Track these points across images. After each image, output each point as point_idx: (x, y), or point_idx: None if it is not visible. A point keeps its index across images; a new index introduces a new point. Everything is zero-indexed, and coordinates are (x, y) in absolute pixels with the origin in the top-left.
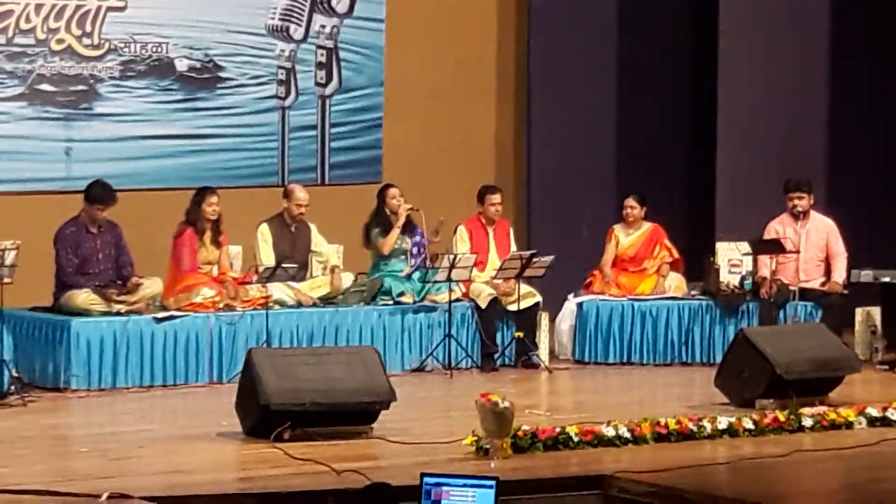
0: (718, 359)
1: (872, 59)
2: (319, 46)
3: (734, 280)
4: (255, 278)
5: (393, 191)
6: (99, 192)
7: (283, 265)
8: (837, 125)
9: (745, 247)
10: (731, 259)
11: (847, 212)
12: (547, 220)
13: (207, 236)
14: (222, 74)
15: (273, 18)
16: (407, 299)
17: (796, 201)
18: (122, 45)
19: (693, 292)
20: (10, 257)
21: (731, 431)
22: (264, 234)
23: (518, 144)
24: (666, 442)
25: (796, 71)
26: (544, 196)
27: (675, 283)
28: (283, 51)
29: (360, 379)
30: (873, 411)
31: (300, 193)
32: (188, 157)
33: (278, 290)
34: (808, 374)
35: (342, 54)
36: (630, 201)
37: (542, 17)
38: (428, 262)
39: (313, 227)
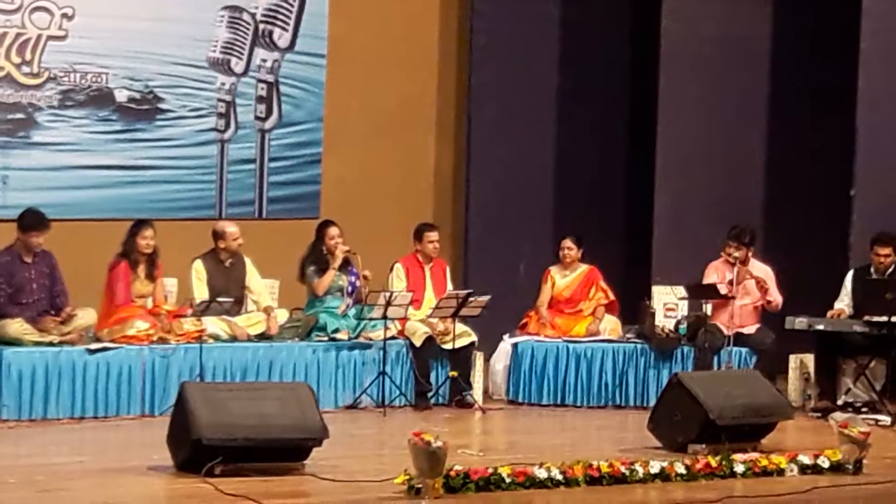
0: (652, 402)
1: (812, 105)
2: (260, 80)
3: (669, 324)
4: (189, 311)
5: (332, 230)
6: (32, 219)
7: (218, 299)
8: (776, 170)
9: (680, 291)
10: (667, 303)
11: (783, 257)
12: (484, 257)
13: (142, 269)
14: (162, 106)
15: (214, 51)
16: (342, 336)
17: (731, 250)
18: (62, 74)
19: (628, 335)
20: None
21: (663, 476)
22: (199, 270)
23: (457, 181)
24: (598, 485)
25: (735, 115)
26: (482, 233)
27: (611, 325)
28: (223, 84)
29: (292, 415)
30: (805, 458)
31: (231, 229)
32: (126, 188)
33: (213, 324)
34: (741, 420)
35: (283, 89)
36: (567, 243)
37: (483, 54)
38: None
39: (248, 262)
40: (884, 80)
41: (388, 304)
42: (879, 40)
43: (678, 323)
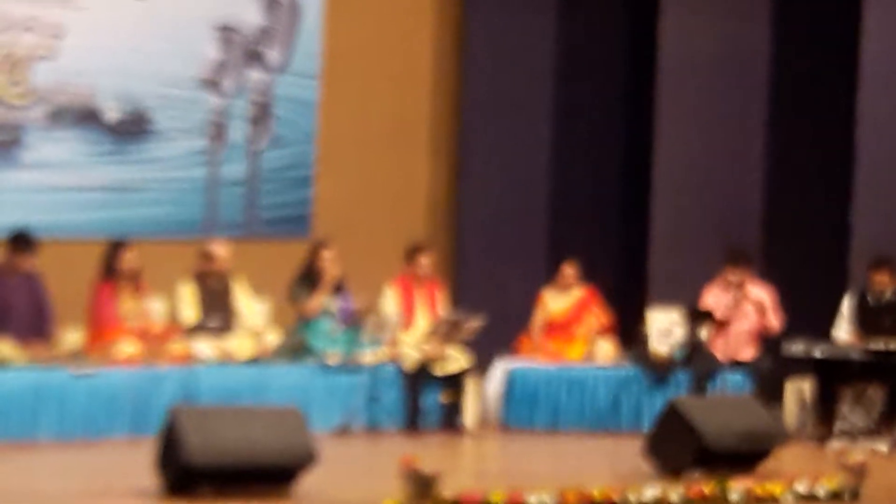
0: (647, 428)
1: (811, 125)
2: (252, 100)
3: (664, 349)
4: (178, 334)
5: (327, 253)
6: (22, 241)
7: (207, 321)
8: (775, 190)
9: (676, 315)
10: (662, 328)
11: (782, 277)
12: (477, 277)
13: (126, 289)
14: (152, 126)
15: (206, 71)
16: (332, 359)
17: (729, 274)
18: (51, 93)
19: (623, 360)
20: None
21: (658, 503)
22: (187, 291)
23: (450, 200)
24: None
25: (734, 135)
26: (475, 253)
27: (606, 349)
28: (214, 104)
29: (282, 439)
30: (801, 486)
31: (220, 251)
32: (115, 208)
33: (202, 346)
34: (737, 447)
35: (274, 108)
36: (568, 268)
37: (477, 72)
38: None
39: (238, 285)
40: (884, 100)
41: (379, 327)
42: (880, 61)
43: (674, 348)
